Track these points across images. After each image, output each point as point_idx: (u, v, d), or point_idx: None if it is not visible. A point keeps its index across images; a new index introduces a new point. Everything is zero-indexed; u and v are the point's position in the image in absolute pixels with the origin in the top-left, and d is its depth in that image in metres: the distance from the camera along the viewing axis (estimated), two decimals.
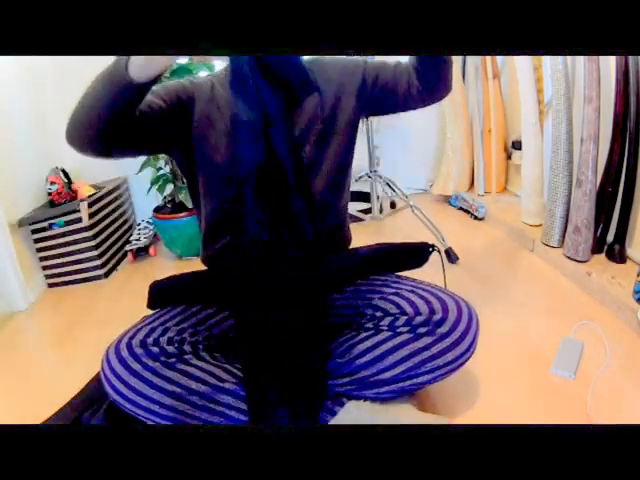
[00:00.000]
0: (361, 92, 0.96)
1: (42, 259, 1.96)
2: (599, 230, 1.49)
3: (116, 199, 2.27)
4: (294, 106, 0.89)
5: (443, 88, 0.96)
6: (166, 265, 2.10)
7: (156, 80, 0.73)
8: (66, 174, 2.12)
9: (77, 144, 0.78)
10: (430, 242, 1.06)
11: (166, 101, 0.85)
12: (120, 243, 2.23)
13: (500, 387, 1.04)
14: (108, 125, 0.74)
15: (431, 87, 0.93)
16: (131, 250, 2.16)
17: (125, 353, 0.81)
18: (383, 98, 0.97)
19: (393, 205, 2.42)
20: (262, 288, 0.91)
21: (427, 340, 0.84)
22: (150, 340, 0.83)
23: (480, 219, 2.15)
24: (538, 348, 1.16)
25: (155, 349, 0.82)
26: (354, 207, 2.20)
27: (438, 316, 0.86)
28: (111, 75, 0.72)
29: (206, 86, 0.91)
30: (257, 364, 0.85)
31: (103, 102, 0.73)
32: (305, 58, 0.95)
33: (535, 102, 1.77)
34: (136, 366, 0.79)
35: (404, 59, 0.96)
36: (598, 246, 1.48)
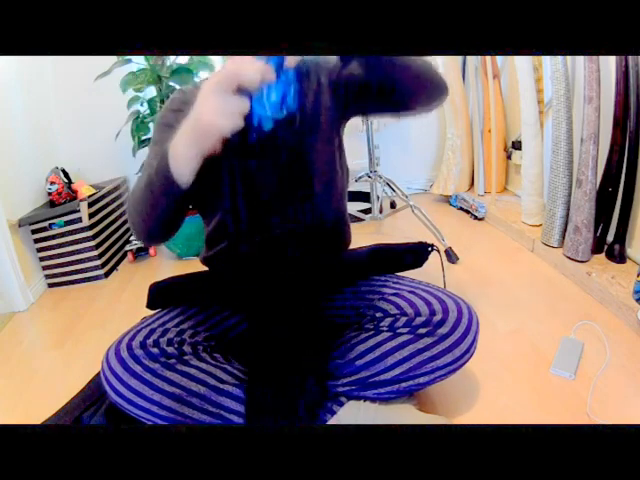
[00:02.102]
0: (337, 91, 0.88)
1: (42, 259, 1.96)
2: (599, 230, 1.49)
3: (116, 199, 2.27)
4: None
5: (428, 91, 0.82)
6: (166, 265, 2.10)
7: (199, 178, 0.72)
8: (66, 174, 2.12)
9: (150, 242, 0.84)
10: (429, 242, 1.06)
11: None
12: (120, 243, 2.23)
13: (500, 387, 1.04)
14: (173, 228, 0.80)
15: (414, 90, 0.81)
16: (131, 250, 2.16)
17: (125, 354, 0.80)
18: (364, 98, 0.86)
19: (393, 205, 2.42)
20: (261, 289, 0.91)
21: (427, 341, 0.84)
22: (150, 341, 0.83)
23: (480, 219, 2.15)
24: (538, 348, 1.16)
25: (155, 350, 0.81)
26: (354, 207, 2.20)
27: (438, 317, 0.86)
28: (161, 186, 0.71)
29: (196, 91, 0.89)
30: (259, 364, 0.86)
31: (160, 220, 0.77)
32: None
33: (535, 102, 1.77)
34: (136, 367, 0.79)
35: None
36: (598, 246, 1.48)
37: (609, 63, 1.40)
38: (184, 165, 0.67)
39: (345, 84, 0.87)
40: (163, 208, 0.74)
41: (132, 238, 2.23)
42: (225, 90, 0.58)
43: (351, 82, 0.86)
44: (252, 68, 0.58)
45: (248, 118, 0.61)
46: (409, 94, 0.81)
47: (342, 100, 0.90)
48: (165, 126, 0.85)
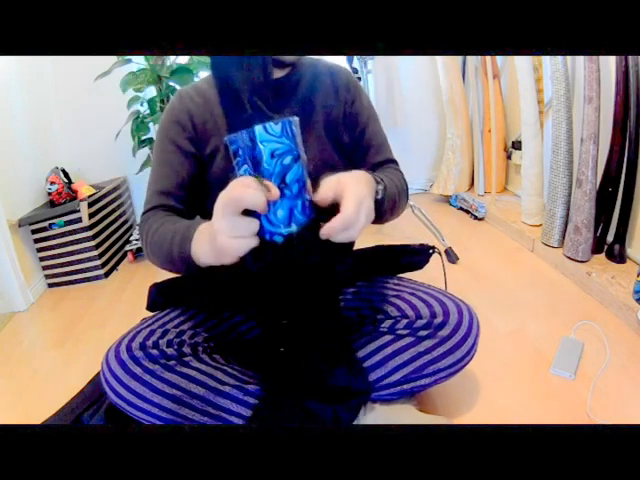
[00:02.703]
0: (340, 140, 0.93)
1: (42, 259, 1.96)
2: (599, 230, 1.49)
3: (116, 199, 2.27)
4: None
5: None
6: None
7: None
8: (66, 174, 2.12)
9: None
10: (430, 243, 1.06)
11: (186, 152, 0.85)
12: (120, 243, 2.23)
13: (500, 387, 1.04)
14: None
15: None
16: (131, 250, 2.16)
17: (125, 356, 0.80)
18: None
19: None
20: (262, 291, 0.91)
21: (428, 344, 0.84)
22: (149, 343, 0.83)
23: (480, 219, 2.15)
24: (538, 348, 1.16)
25: (155, 352, 0.81)
26: None
27: (439, 319, 0.86)
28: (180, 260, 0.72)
29: (196, 96, 0.88)
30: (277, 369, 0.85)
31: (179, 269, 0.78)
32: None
33: (535, 102, 1.77)
34: (136, 369, 0.79)
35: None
36: (598, 246, 1.48)
37: (609, 63, 1.40)
38: (205, 263, 0.68)
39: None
40: (183, 271, 0.77)
41: (132, 238, 2.23)
42: (232, 213, 0.58)
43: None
44: (255, 190, 0.57)
45: (260, 234, 0.60)
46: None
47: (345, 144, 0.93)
48: (169, 142, 0.86)
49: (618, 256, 1.43)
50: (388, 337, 0.87)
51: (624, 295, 1.24)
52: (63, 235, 1.93)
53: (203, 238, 0.66)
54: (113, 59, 1.92)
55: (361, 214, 0.63)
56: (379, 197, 0.73)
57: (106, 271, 2.02)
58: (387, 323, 0.89)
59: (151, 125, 2.09)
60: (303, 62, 0.91)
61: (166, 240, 0.74)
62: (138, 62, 1.99)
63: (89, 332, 1.56)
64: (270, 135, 0.58)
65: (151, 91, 2.10)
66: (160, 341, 0.84)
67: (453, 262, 1.73)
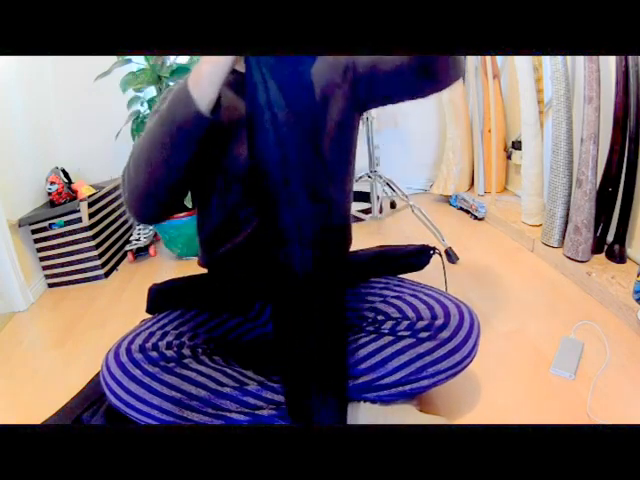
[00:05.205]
0: (356, 82, 0.91)
1: (42, 259, 1.96)
2: (599, 230, 1.49)
3: (116, 199, 2.27)
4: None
5: (449, 71, 0.84)
6: (166, 265, 2.10)
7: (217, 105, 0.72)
8: (66, 174, 2.12)
9: (148, 218, 0.84)
10: (430, 243, 1.06)
11: None
12: (120, 243, 2.23)
13: (500, 387, 1.04)
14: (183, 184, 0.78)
15: (434, 70, 0.83)
16: (131, 250, 2.16)
17: (124, 358, 0.80)
18: (381, 85, 0.90)
19: (393, 205, 2.42)
20: (264, 291, 0.90)
21: (429, 345, 0.84)
22: (149, 345, 0.83)
23: (480, 219, 2.15)
24: (538, 348, 1.16)
25: (154, 354, 0.81)
26: (354, 207, 2.20)
27: (440, 321, 0.86)
28: (177, 113, 0.70)
29: None
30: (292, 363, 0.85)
31: (173, 153, 0.72)
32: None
33: (535, 102, 1.77)
34: (136, 372, 0.79)
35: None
36: (598, 246, 1.48)
37: (609, 63, 1.40)
38: (205, 83, 0.68)
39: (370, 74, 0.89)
40: (180, 146, 0.72)
41: (132, 238, 2.23)
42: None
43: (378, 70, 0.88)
44: None
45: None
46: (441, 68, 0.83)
47: (362, 92, 0.92)
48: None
49: (618, 256, 1.43)
50: (389, 338, 0.87)
51: (624, 295, 1.24)
52: (63, 235, 1.93)
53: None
54: (113, 59, 1.92)
55: None
56: None
57: (106, 271, 2.02)
58: (388, 324, 0.89)
59: None
60: None
61: (159, 115, 0.74)
62: (138, 62, 1.99)
63: (89, 332, 1.56)
64: None
65: (151, 91, 2.10)
66: (159, 343, 0.84)
67: (453, 262, 1.73)
